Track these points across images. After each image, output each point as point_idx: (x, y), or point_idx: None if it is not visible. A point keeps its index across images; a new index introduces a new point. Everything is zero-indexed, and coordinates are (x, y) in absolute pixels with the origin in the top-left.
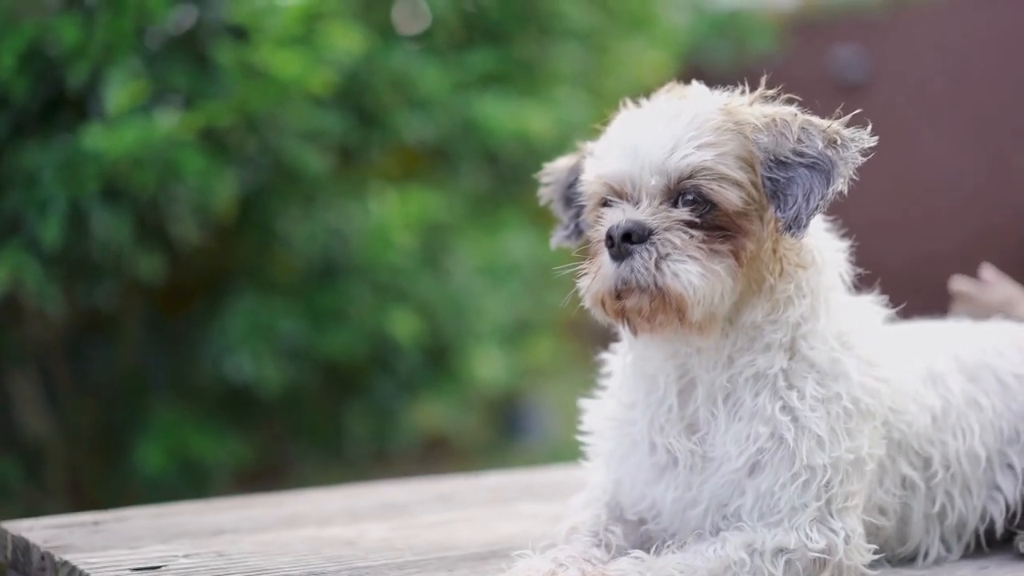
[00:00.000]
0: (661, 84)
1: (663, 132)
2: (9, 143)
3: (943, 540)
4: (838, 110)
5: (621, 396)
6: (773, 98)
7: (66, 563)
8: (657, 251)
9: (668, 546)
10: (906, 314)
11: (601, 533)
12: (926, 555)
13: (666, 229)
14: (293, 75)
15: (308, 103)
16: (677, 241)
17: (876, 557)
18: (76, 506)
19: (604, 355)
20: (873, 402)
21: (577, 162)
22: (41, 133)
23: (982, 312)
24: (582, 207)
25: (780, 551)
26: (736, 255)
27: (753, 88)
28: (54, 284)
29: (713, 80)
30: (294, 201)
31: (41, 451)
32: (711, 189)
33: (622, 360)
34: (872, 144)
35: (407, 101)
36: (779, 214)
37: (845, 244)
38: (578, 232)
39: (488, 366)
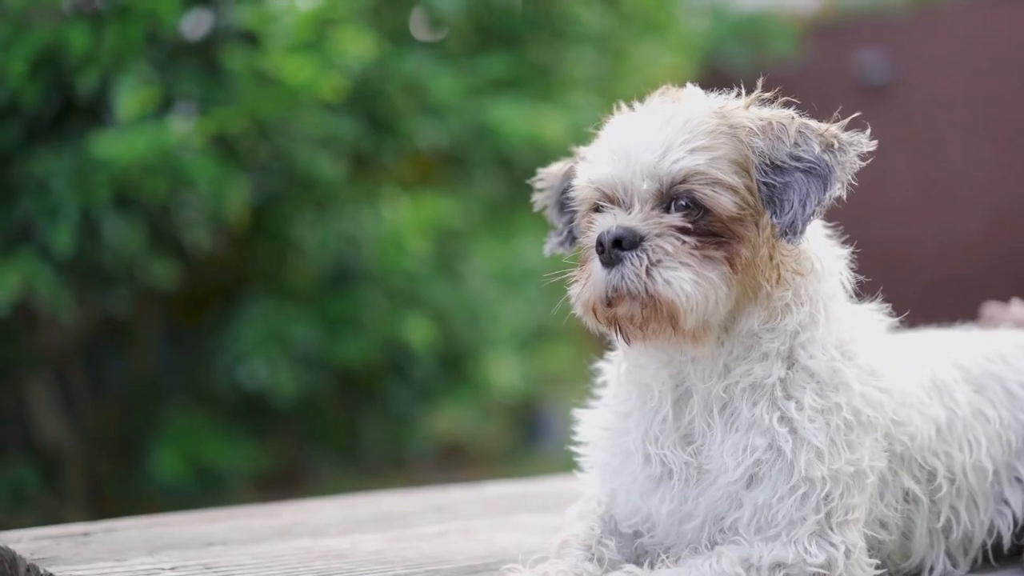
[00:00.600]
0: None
1: (655, 136)
2: (20, 150)
3: (949, 555)
4: (836, 113)
5: (615, 406)
6: (771, 101)
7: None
8: (648, 258)
9: (663, 560)
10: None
11: (594, 547)
12: (931, 570)
13: (658, 235)
14: (304, 81)
15: (320, 109)
16: (669, 247)
17: (879, 572)
18: (94, 512)
19: (599, 364)
20: (875, 413)
21: (571, 167)
22: (52, 140)
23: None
24: (576, 213)
25: (778, 566)
26: (731, 262)
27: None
28: (67, 291)
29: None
30: (307, 208)
31: (58, 458)
32: (704, 194)
33: (617, 369)
34: (871, 148)
35: (420, 107)
36: (775, 220)
37: (846, 251)
38: (572, 238)
39: (504, 372)
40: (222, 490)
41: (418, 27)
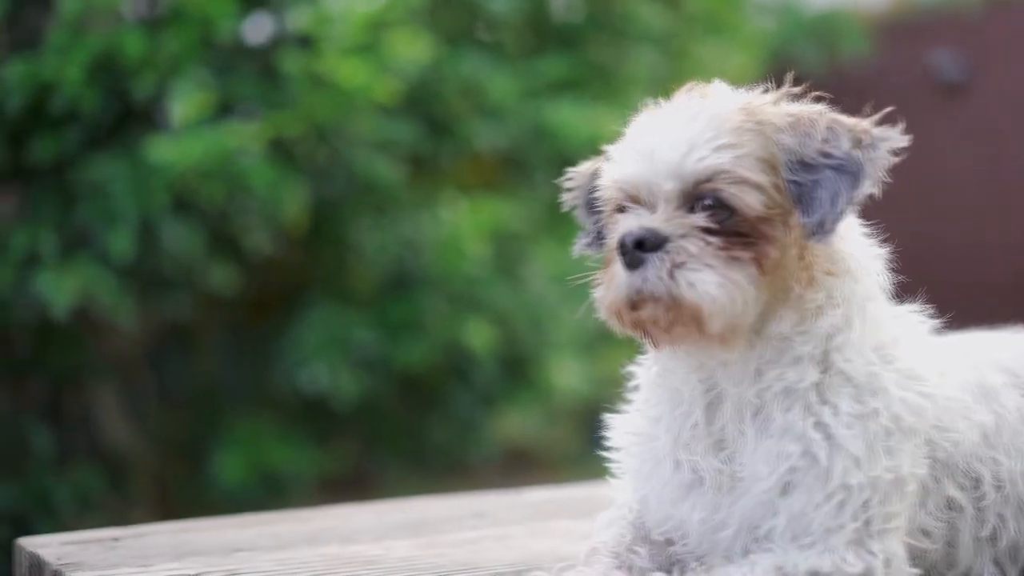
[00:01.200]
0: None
1: (679, 133)
2: (78, 156)
3: (997, 564)
4: (867, 108)
5: (646, 410)
6: (800, 96)
7: None
8: (671, 259)
9: (694, 569)
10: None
11: (623, 554)
12: None
13: (682, 236)
14: (359, 84)
15: (376, 112)
16: (693, 249)
17: None
18: (160, 515)
19: (631, 367)
20: (915, 419)
21: (599, 166)
22: (110, 146)
23: None
24: (603, 213)
25: (814, 574)
26: (758, 263)
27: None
28: (127, 297)
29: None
30: (366, 212)
31: (125, 462)
32: (730, 193)
33: (648, 372)
34: (904, 143)
35: (478, 108)
36: (804, 219)
37: (884, 250)
38: (600, 239)
39: (566, 376)
40: (286, 494)
41: (475, 28)
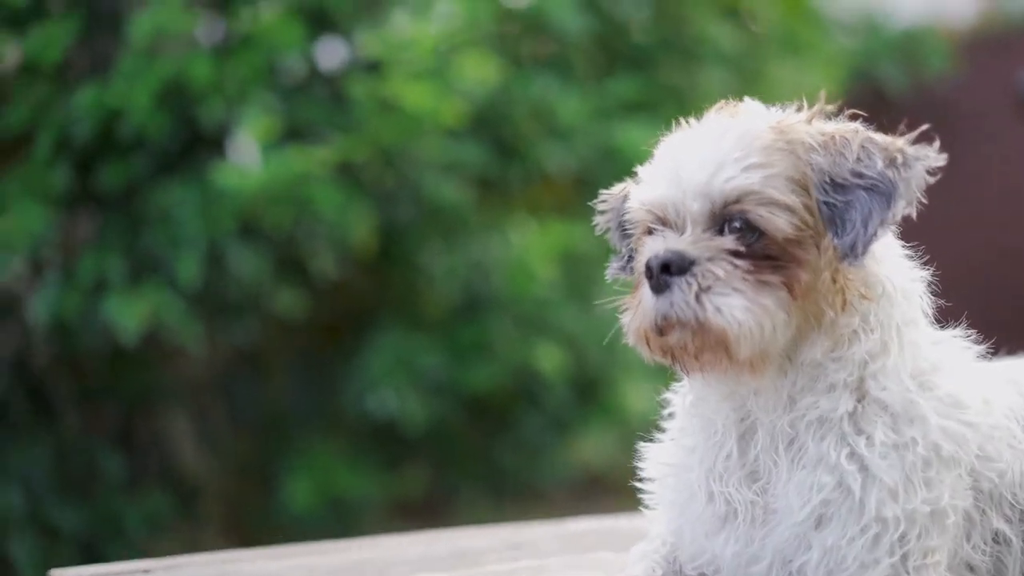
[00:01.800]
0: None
1: (707, 153)
2: (147, 182)
3: None
4: (902, 126)
5: (681, 439)
6: (835, 115)
7: None
8: (698, 283)
9: None
10: None
11: None
12: None
13: (709, 259)
14: (426, 108)
15: (444, 135)
16: (720, 272)
17: None
18: (230, 541)
19: (667, 394)
20: (956, 448)
21: (631, 188)
22: (178, 171)
23: None
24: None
25: None
26: (789, 287)
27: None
28: (195, 322)
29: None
30: (435, 235)
31: (195, 486)
32: (759, 215)
33: (683, 400)
34: (941, 162)
35: (547, 130)
36: (836, 241)
37: (925, 273)
38: (632, 263)
39: (639, 399)
40: (357, 520)
41: (544, 49)
